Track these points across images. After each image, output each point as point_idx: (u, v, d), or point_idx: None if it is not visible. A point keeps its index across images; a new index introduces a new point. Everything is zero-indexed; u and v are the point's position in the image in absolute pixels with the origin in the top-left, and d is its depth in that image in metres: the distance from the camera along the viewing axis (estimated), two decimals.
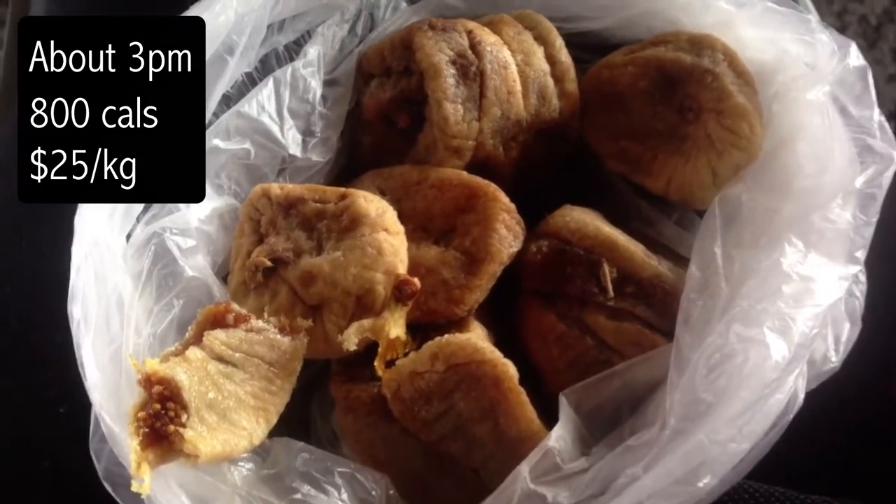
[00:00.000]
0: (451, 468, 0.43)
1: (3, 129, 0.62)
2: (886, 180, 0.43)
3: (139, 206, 0.42)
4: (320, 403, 0.48)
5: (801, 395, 0.43)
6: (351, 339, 0.43)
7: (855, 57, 0.46)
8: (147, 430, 0.39)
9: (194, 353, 0.40)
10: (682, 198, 0.49)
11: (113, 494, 0.41)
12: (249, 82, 0.47)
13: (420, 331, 0.44)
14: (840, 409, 0.50)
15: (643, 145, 0.49)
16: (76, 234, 0.40)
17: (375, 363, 0.42)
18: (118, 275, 0.41)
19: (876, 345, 0.49)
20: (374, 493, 0.42)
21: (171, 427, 0.39)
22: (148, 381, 0.39)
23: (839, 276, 0.42)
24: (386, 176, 0.48)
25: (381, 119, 0.50)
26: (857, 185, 0.43)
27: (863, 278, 0.49)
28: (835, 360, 0.46)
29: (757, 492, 0.45)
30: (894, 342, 0.51)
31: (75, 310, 0.39)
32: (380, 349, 0.43)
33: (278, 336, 0.43)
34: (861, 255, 0.43)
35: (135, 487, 0.38)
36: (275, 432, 0.43)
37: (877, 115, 0.45)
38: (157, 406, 0.39)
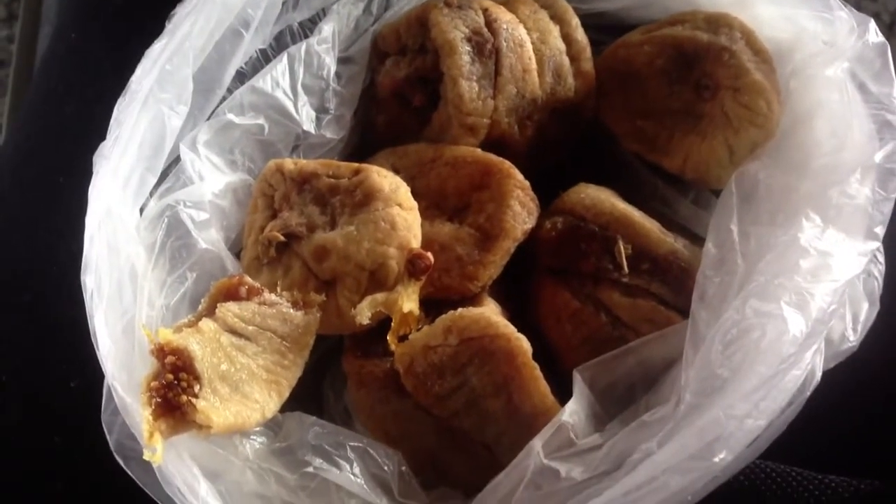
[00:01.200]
0: (464, 444, 0.43)
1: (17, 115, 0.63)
2: None
3: (153, 179, 0.42)
4: (333, 381, 0.47)
5: (819, 373, 0.43)
6: (364, 314, 0.42)
7: (874, 33, 0.45)
8: (159, 399, 0.39)
9: (207, 324, 0.40)
10: (698, 176, 0.48)
11: (124, 467, 0.40)
12: (264, 59, 0.47)
13: (434, 307, 0.44)
14: (858, 391, 0.49)
15: (659, 124, 0.49)
16: (90, 205, 0.40)
17: (388, 337, 0.42)
18: (131, 246, 0.41)
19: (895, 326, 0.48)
20: (386, 468, 0.42)
21: (184, 397, 0.39)
22: (161, 351, 0.39)
23: (858, 251, 0.41)
24: (400, 154, 0.48)
25: (396, 97, 0.50)
26: (875, 160, 0.42)
27: (881, 259, 0.49)
28: (853, 339, 0.45)
29: (774, 471, 0.45)
30: None
31: (88, 280, 0.39)
32: (393, 324, 0.43)
33: (291, 310, 0.43)
34: (880, 230, 0.42)
35: (147, 456, 0.38)
36: (287, 409, 0.43)
37: None
38: (170, 376, 0.39)
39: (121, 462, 0.41)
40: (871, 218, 0.43)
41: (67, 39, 0.58)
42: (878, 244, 0.43)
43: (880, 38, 0.45)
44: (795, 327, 0.40)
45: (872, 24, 0.46)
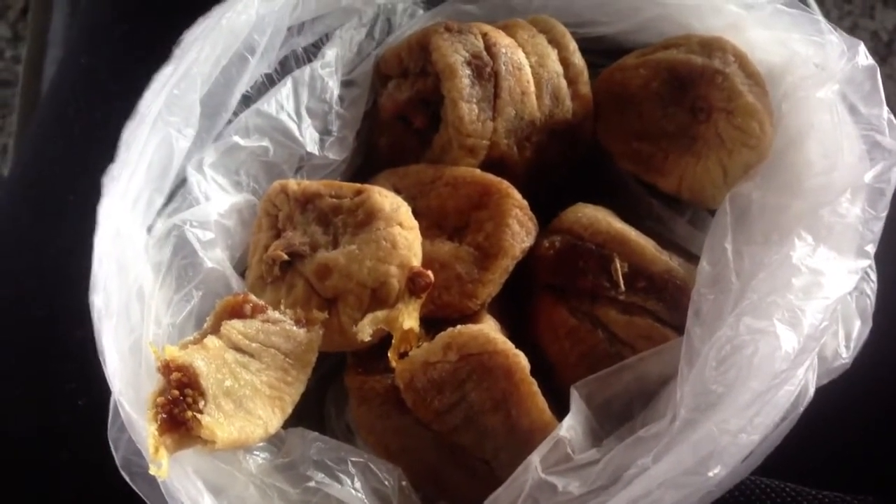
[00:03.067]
0: (463, 459, 0.44)
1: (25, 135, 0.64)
2: (895, 175, 0.44)
3: (161, 199, 0.43)
4: (335, 398, 0.48)
5: (812, 389, 0.44)
6: (365, 331, 0.43)
7: (864, 56, 0.46)
8: (165, 415, 0.40)
9: (212, 341, 0.41)
10: (693, 196, 0.49)
11: (130, 483, 0.41)
12: (269, 83, 0.49)
13: (434, 325, 0.45)
14: (852, 409, 0.50)
15: (655, 145, 0.50)
16: (99, 225, 0.42)
17: (389, 354, 0.43)
18: (139, 265, 0.42)
19: (888, 344, 0.49)
20: (387, 483, 0.43)
21: (189, 413, 0.40)
22: (167, 368, 0.40)
23: (849, 269, 0.42)
24: (401, 174, 0.49)
25: (398, 119, 0.51)
26: (866, 180, 0.43)
27: (874, 277, 0.50)
28: (846, 356, 0.46)
29: (769, 487, 0.46)
30: None
31: (97, 299, 0.41)
32: (394, 341, 0.44)
33: (294, 327, 0.44)
34: (871, 248, 0.43)
35: (153, 471, 0.38)
36: (289, 425, 0.44)
37: (885, 113, 0.45)
38: (176, 392, 0.40)
39: (126, 478, 0.42)
40: (862, 236, 0.44)
41: (76, 63, 0.59)
42: (868, 262, 0.44)
43: (870, 60, 0.46)
44: (788, 344, 0.40)
45: (862, 48, 0.47)
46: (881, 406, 0.51)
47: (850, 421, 0.50)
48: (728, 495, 0.42)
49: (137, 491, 0.41)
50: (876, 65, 0.46)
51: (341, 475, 0.42)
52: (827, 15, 1.63)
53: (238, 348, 0.42)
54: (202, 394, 0.40)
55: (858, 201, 0.44)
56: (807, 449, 0.47)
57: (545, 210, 0.49)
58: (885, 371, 0.49)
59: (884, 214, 0.44)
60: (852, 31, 1.55)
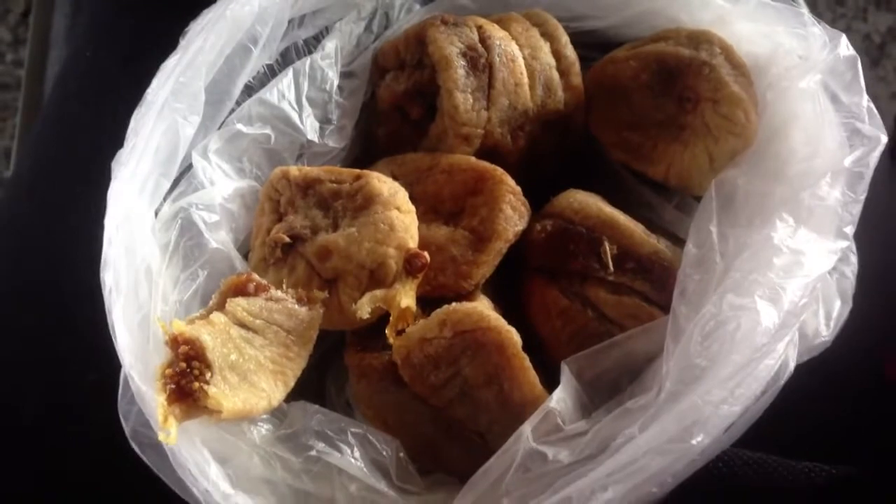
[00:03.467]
0: (458, 432, 0.46)
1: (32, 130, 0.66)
2: (874, 160, 0.45)
3: (167, 184, 0.45)
4: (335, 375, 0.50)
5: (792, 364, 0.45)
6: (364, 309, 0.45)
7: (845, 47, 0.48)
8: (173, 386, 0.41)
9: (218, 317, 0.43)
10: (681, 183, 0.51)
11: (139, 453, 0.43)
12: (270, 73, 0.50)
13: (430, 305, 0.47)
14: (833, 385, 0.51)
15: (644, 135, 0.52)
16: (108, 208, 0.43)
17: (387, 331, 0.45)
18: (147, 246, 0.44)
19: (869, 325, 0.51)
20: (384, 453, 0.44)
21: (196, 384, 0.42)
22: (175, 342, 0.42)
23: (828, 249, 0.44)
24: (399, 162, 0.51)
25: (396, 110, 0.53)
26: (845, 164, 0.45)
27: (854, 260, 0.51)
28: (826, 334, 0.48)
29: (751, 459, 0.47)
30: (886, 323, 0.53)
31: (107, 277, 0.42)
32: (391, 318, 0.45)
33: (296, 306, 0.46)
34: (850, 230, 0.45)
35: (161, 438, 0.40)
36: (291, 399, 0.46)
37: (865, 101, 0.47)
38: (183, 364, 0.42)
39: (136, 448, 0.43)
40: (841, 218, 0.45)
41: (82, 58, 0.61)
42: (847, 243, 0.45)
43: (851, 51, 0.48)
44: (768, 319, 0.42)
45: (844, 39, 0.49)
46: (860, 383, 0.52)
47: (832, 397, 0.51)
48: (711, 465, 0.44)
49: (146, 461, 0.43)
50: (857, 55, 0.48)
51: (341, 445, 0.44)
52: (820, 17, 1.64)
53: (242, 325, 0.44)
54: (208, 366, 0.42)
55: (838, 185, 0.46)
56: (790, 423, 0.48)
57: (538, 196, 0.51)
58: (865, 352, 0.51)
59: (862, 197, 0.45)
60: (845, 33, 1.57)
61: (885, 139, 0.45)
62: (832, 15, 1.63)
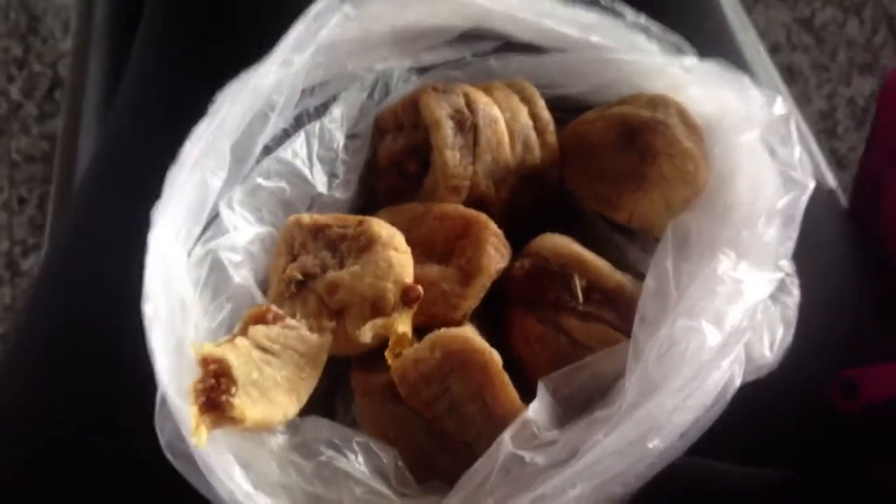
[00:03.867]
0: (448, 442, 0.52)
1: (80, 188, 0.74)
2: (803, 203, 0.52)
3: (198, 229, 0.53)
4: (343, 398, 0.57)
5: (738, 380, 0.51)
6: (366, 335, 0.52)
7: (780, 107, 0.56)
8: (204, 399, 0.48)
9: (241, 341, 0.50)
10: (642, 226, 0.58)
11: (172, 461, 0.50)
12: (285, 136, 0.58)
13: (423, 332, 0.54)
14: (780, 405, 0.58)
15: (611, 185, 0.59)
16: (149, 250, 0.51)
17: (386, 354, 0.52)
18: (181, 282, 0.51)
19: (813, 350, 0.57)
20: (385, 460, 0.51)
21: (224, 397, 0.48)
22: (205, 361, 0.48)
23: (765, 280, 0.51)
24: (397, 211, 0.59)
25: (394, 166, 0.61)
26: (779, 206, 0.52)
27: (796, 292, 0.58)
28: (770, 357, 0.55)
29: (701, 464, 0.53)
30: (826, 349, 0.59)
31: (148, 309, 0.49)
32: (390, 343, 0.52)
33: (308, 333, 0.53)
34: (784, 263, 0.52)
35: (194, 442, 0.47)
36: (304, 415, 0.53)
37: (797, 153, 0.54)
38: (212, 380, 0.48)
39: (169, 457, 0.50)
40: (776, 253, 0.52)
41: (120, 128, 0.69)
42: (781, 274, 0.52)
43: (784, 110, 0.56)
44: (713, 339, 0.49)
45: (779, 99, 0.56)
46: (807, 404, 0.59)
47: (782, 414, 0.58)
48: (669, 470, 0.50)
49: (178, 469, 0.50)
50: (790, 112, 0.56)
51: (347, 453, 0.50)
52: (805, 83, 1.74)
53: (262, 348, 0.51)
54: (234, 382, 0.49)
55: (773, 224, 0.53)
56: (741, 438, 0.55)
57: (518, 239, 0.57)
58: (810, 373, 0.57)
59: (794, 235, 0.53)
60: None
61: (812, 185, 0.53)
62: (817, 80, 1.72)
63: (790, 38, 1.81)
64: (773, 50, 1.78)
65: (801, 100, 1.78)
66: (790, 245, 0.52)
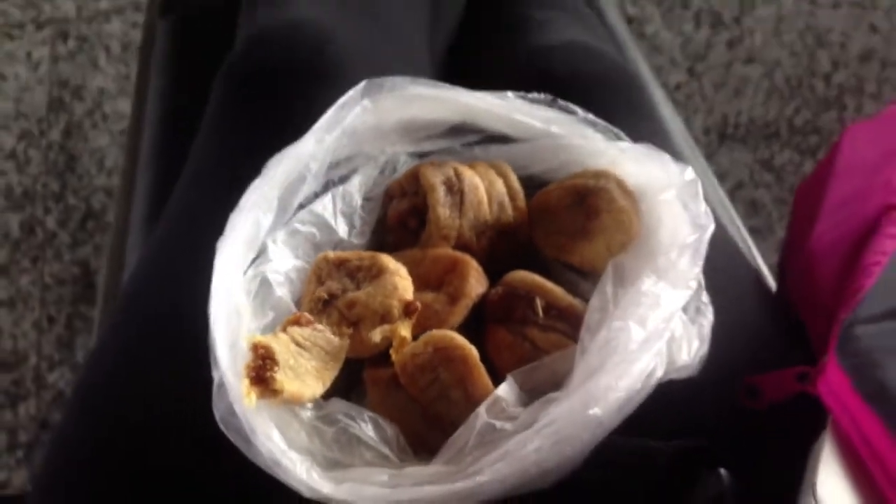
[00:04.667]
0: (439, 423, 0.66)
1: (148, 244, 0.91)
2: (706, 239, 0.67)
3: (252, 256, 0.70)
4: (357, 394, 0.72)
5: (660, 371, 0.65)
6: (377, 337, 0.68)
7: (690, 174, 0.73)
8: (254, 374, 0.64)
9: (282, 336, 0.66)
10: (589, 267, 0.74)
11: (224, 431, 0.64)
12: (315, 196, 0.76)
13: None
14: (697, 405, 0.72)
15: (565, 237, 0.75)
16: (214, 273, 0.67)
17: (391, 351, 0.68)
18: (238, 295, 0.67)
19: (725, 363, 0.72)
20: (389, 432, 0.66)
21: (268, 373, 0.64)
22: (255, 347, 0.64)
23: (679, 294, 0.66)
24: (400, 256, 0.74)
25: (399, 223, 0.78)
26: (688, 242, 0.69)
27: (710, 315, 0.74)
28: (689, 362, 0.69)
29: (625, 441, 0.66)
30: (737, 361, 0.74)
31: (212, 312, 0.66)
32: (394, 344, 0.68)
33: (332, 336, 0.69)
34: (693, 284, 0.68)
35: (245, 404, 0.61)
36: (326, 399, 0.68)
37: (702, 206, 0.72)
38: (260, 361, 0.64)
39: (223, 428, 0.64)
40: (687, 276, 0.68)
41: (193, 193, 0.88)
42: (691, 291, 0.68)
43: (693, 175, 0.73)
44: (637, 335, 0.63)
45: (689, 168, 0.73)
46: (719, 401, 0.73)
47: (700, 408, 0.72)
48: (607, 441, 0.64)
49: (230, 437, 0.64)
50: (698, 178, 0.73)
51: (360, 422, 0.64)
52: (769, 216, 1.93)
53: (297, 343, 0.66)
54: (276, 363, 0.64)
55: (684, 255, 0.69)
56: (669, 423, 0.69)
57: (495, 276, 0.74)
58: (721, 378, 0.72)
59: (700, 263, 0.69)
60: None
61: (712, 226, 0.70)
62: (779, 213, 1.92)
63: (752, 176, 2.02)
64: (738, 187, 1.99)
65: (765, 231, 1.97)
66: (697, 270, 0.67)
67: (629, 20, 2.21)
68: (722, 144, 2.10)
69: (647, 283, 0.67)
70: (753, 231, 1.82)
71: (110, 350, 0.80)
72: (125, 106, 2.30)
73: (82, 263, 2.29)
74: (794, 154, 2.07)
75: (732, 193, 2.05)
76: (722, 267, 0.70)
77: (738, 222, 1.20)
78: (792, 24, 2.21)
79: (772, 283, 0.99)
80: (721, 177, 2.05)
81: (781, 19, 2.21)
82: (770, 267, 1.08)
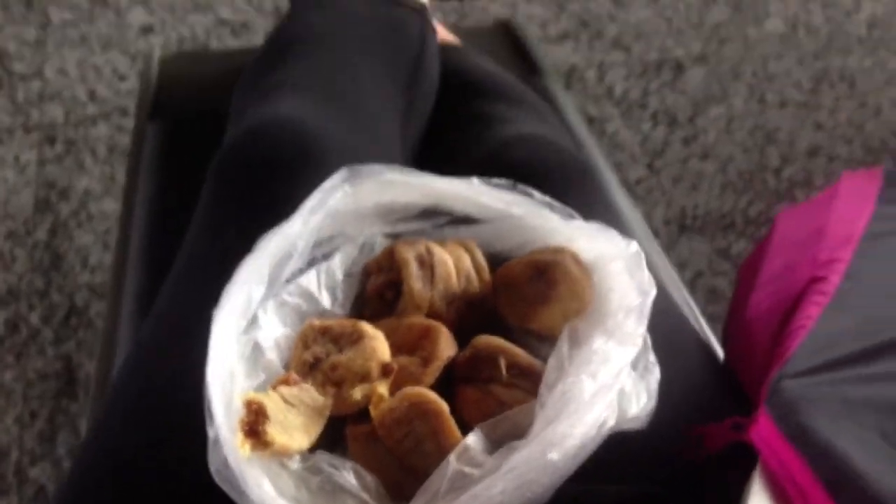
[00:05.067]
0: (414, 471, 0.71)
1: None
2: (649, 303, 0.77)
3: (244, 324, 0.77)
4: (340, 447, 0.79)
5: (612, 422, 0.74)
6: (357, 395, 0.75)
7: (634, 247, 0.82)
8: (247, 428, 0.71)
9: (272, 394, 0.73)
10: (548, 332, 0.83)
11: (219, 483, 0.69)
12: (300, 273, 0.84)
13: None
14: (646, 454, 0.80)
15: (527, 306, 0.84)
16: (212, 338, 0.75)
17: (370, 408, 0.75)
18: (232, 358, 0.75)
19: (671, 417, 0.80)
20: (369, 481, 0.72)
21: (260, 427, 0.71)
22: (249, 403, 0.71)
23: (625, 352, 0.75)
24: (377, 325, 0.83)
25: (377, 296, 0.86)
26: (633, 305, 0.78)
27: (657, 373, 0.82)
28: (638, 415, 0.78)
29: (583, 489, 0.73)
30: (681, 414, 0.82)
31: (209, 376, 0.73)
32: (372, 401, 0.76)
33: (317, 395, 0.76)
34: (639, 341, 0.76)
35: (240, 453, 0.68)
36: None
37: (647, 275, 0.81)
38: (253, 416, 0.71)
39: (217, 481, 0.69)
40: (634, 335, 0.77)
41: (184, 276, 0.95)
42: (637, 348, 0.77)
43: (637, 248, 0.83)
44: (589, 387, 0.71)
45: (634, 243, 0.83)
46: (665, 450, 0.80)
47: (648, 456, 0.80)
48: (565, 486, 0.71)
49: (223, 488, 0.70)
50: (641, 251, 0.83)
51: (343, 471, 0.71)
52: (728, 301, 2.01)
53: (286, 401, 0.73)
54: (268, 419, 0.71)
55: (630, 317, 0.78)
56: (621, 470, 0.76)
57: (463, 340, 0.83)
58: (667, 430, 0.80)
59: (644, 323, 0.77)
60: None
61: (654, 291, 0.79)
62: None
63: (711, 265, 2.13)
64: (698, 275, 2.10)
65: (724, 316, 2.07)
66: (642, 330, 0.76)
67: (591, 120, 2.35)
68: (681, 234, 2.21)
69: (598, 343, 0.75)
70: (714, 318, 1.92)
71: (101, 439, 0.87)
72: (110, 206, 2.39)
73: (65, 359, 2.33)
74: (749, 244, 2.19)
75: (693, 282, 2.15)
76: (668, 332, 0.79)
77: (691, 301, 1.29)
78: (742, 123, 2.36)
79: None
80: (682, 265, 2.16)
81: (732, 119, 2.36)
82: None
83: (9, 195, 2.41)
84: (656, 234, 2.09)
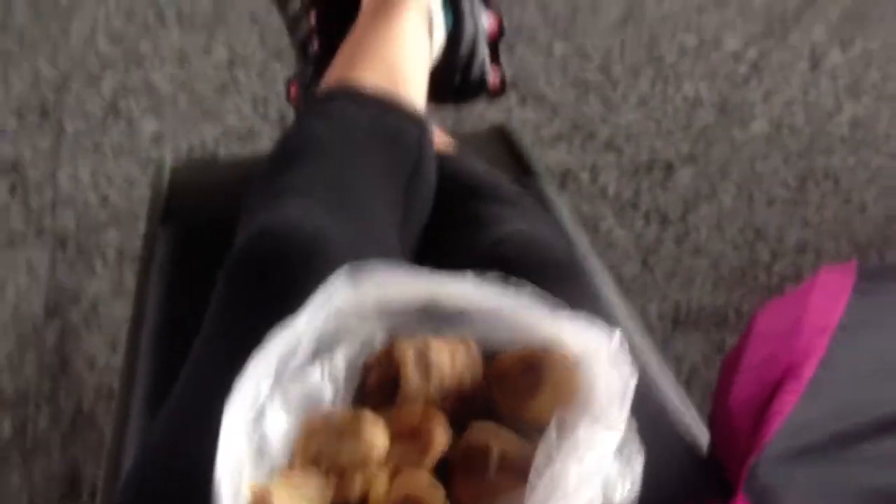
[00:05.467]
0: None
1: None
2: (632, 387, 0.82)
3: (251, 416, 0.83)
4: None
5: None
6: (358, 483, 0.80)
7: (618, 339, 0.88)
8: None
9: (278, 483, 0.78)
10: (538, 421, 0.88)
11: None
12: (305, 367, 0.90)
13: None
14: None
15: (518, 398, 0.90)
16: (223, 429, 0.80)
17: (370, 495, 0.80)
18: (241, 449, 0.80)
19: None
20: None
21: None
22: (256, 493, 0.76)
23: (608, 438, 0.80)
24: (378, 413, 0.89)
25: (378, 388, 0.92)
26: (616, 391, 0.83)
27: (640, 460, 0.87)
28: (621, 499, 0.82)
29: None
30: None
31: (218, 464, 0.78)
32: (370, 492, 0.80)
33: (320, 483, 0.81)
34: (622, 426, 0.82)
35: None
36: None
37: (629, 362, 0.86)
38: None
39: None
40: (616, 420, 0.82)
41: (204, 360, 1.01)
42: (621, 433, 0.82)
43: (619, 336, 0.88)
44: (574, 475, 0.76)
45: (617, 335, 0.89)
46: None
47: None
48: None
49: None
50: (625, 340, 0.88)
51: None
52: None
53: (291, 489, 0.79)
54: None
55: (614, 403, 0.83)
56: None
57: (459, 428, 0.88)
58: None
59: (627, 408, 0.82)
60: None
61: (635, 378, 0.84)
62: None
63: (706, 360, 2.18)
64: (693, 371, 2.15)
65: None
66: (625, 414, 0.82)
67: (585, 219, 2.44)
68: (676, 329, 2.27)
69: (584, 429, 0.80)
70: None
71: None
72: (119, 310, 2.44)
73: (70, 461, 2.36)
74: None
75: (689, 379, 2.19)
76: (650, 417, 0.84)
77: (683, 393, 1.34)
78: (732, 221, 2.44)
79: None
80: (678, 360, 2.21)
81: (722, 216, 2.44)
82: None
83: (20, 300, 2.48)
84: (651, 329, 2.15)
